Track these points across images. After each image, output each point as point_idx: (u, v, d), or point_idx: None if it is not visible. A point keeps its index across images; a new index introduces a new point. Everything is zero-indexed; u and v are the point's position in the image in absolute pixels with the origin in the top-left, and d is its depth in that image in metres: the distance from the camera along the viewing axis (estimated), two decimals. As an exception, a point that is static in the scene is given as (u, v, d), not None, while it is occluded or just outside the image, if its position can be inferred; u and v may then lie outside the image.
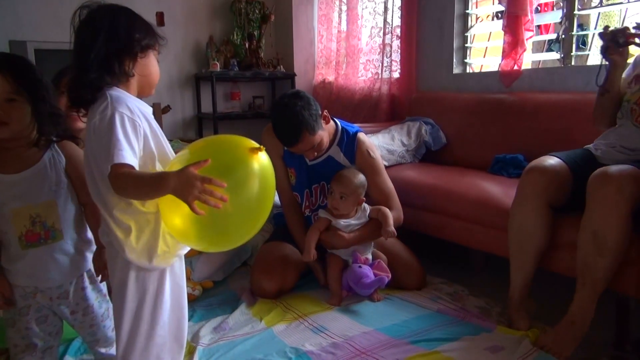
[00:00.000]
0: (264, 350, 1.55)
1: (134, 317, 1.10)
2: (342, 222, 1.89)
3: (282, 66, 3.87)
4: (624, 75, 1.75)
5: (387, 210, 1.92)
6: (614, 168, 1.47)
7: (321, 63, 3.87)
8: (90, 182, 1.09)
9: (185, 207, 0.97)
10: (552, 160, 1.65)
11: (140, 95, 1.15)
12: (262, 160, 1.09)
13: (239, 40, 3.82)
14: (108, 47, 1.05)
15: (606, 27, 1.66)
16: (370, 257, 1.93)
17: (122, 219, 1.06)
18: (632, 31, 1.60)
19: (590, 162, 1.69)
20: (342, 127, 2.06)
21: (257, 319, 1.76)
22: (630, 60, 1.77)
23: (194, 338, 1.61)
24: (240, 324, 1.72)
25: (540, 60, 2.74)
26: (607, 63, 1.70)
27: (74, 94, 1.07)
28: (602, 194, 1.44)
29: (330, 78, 3.79)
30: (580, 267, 1.52)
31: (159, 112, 3.39)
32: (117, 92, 1.07)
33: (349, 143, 2.02)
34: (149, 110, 1.13)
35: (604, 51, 1.67)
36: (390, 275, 1.85)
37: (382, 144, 2.65)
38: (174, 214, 1.05)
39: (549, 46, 2.77)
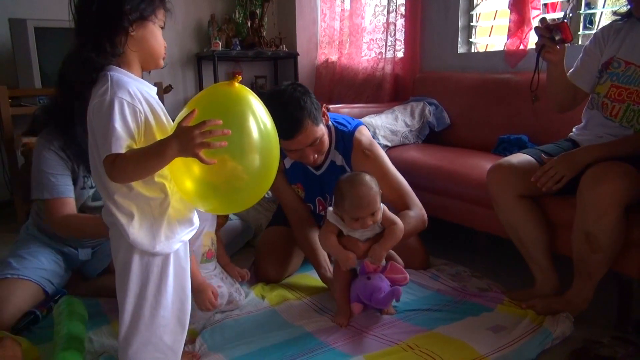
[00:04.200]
0: (268, 328, 1.56)
1: (137, 299, 1.10)
2: (357, 231, 1.60)
3: (284, 45, 3.82)
4: (577, 63, 1.73)
5: (399, 229, 1.60)
6: (603, 169, 1.45)
7: (324, 42, 3.83)
8: (92, 165, 1.08)
9: (193, 168, 0.98)
10: (512, 158, 1.68)
11: (147, 69, 1.11)
12: (244, 89, 1.11)
13: (241, 19, 3.77)
14: (97, 23, 1.01)
15: (543, 20, 1.54)
16: (383, 262, 1.61)
17: (123, 204, 1.04)
18: (569, 25, 1.50)
19: (572, 149, 1.69)
20: (338, 129, 1.86)
21: (259, 298, 1.77)
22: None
23: (198, 317, 1.62)
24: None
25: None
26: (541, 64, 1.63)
27: (74, 77, 1.06)
28: (594, 197, 1.43)
29: (334, 58, 3.75)
30: (575, 260, 1.55)
31: (161, 91, 3.37)
32: (119, 73, 1.04)
33: (346, 145, 1.84)
34: (152, 90, 1.09)
35: (540, 50, 1.57)
36: (407, 276, 1.62)
37: (385, 124, 2.63)
38: (185, 179, 1.05)
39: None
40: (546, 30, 1.52)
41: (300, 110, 1.63)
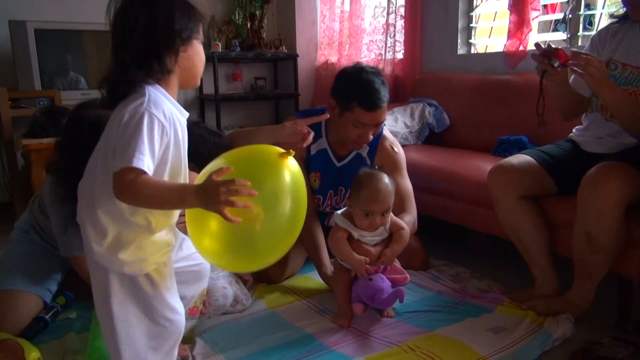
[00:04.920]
0: (268, 330, 1.56)
1: (110, 317, 1.01)
2: (368, 236, 1.62)
3: (284, 47, 3.82)
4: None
5: (407, 234, 1.65)
6: (603, 170, 1.45)
7: (324, 44, 3.83)
8: (88, 172, 1.01)
9: (211, 226, 0.95)
10: (513, 159, 1.69)
11: (184, 88, 1.08)
12: (291, 166, 1.05)
13: (241, 21, 3.77)
14: (145, 43, 0.96)
15: (537, 45, 1.54)
16: None
17: (102, 219, 0.97)
18: (566, 52, 1.48)
19: (574, 151, 1.71)
20: None
21: (259, 299, 1.77)
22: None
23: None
24: (243, 305, 1.73)
25: (546, 41, 2.70)
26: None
27: (111, 93, 1.00)
28: (594, 199, 1.43)
29: (333, 59, 3.75)
30: (576, 260, 1.55)
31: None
32: (156, 91, 0.98)
33: (375, 138, 1.87)
34: (183, 118, 1.04)
35: (542, 75, 1.56)
36: (407, 276, 1.64)
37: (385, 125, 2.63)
38: (203, 236, 1.01)
39: (555, 26, 2.73)
40: (544, 57, 1.51)
41: (385, 87, 1.73)
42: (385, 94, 1.72)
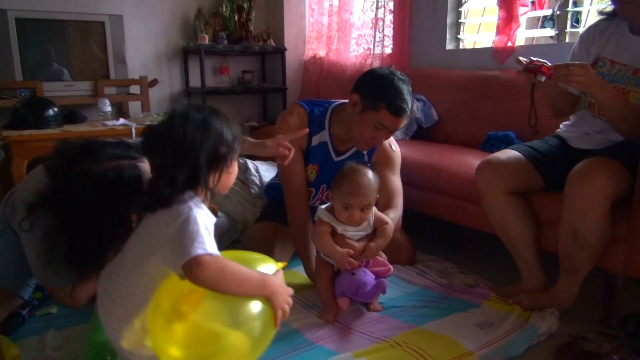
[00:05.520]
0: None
1: None
2: (352, 230, 1.62)
3: (272, 40, 3.79)
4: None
5: (390, 229, 1.65)
6: (590, 166, 1.45)
7: (312, 38, 3.80)
8: (117, 296, 1.06)
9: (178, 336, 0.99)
10: (501, 155, 1.68)
11: (213, 196, 1.14)
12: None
13: (228, 13, 3.72)
14: (194, 163, 1.03)
15: (519, 62, 1.56)
16: None
17: (136, 324, 1.03)
18: (549, 65, 1.51)
19: (563, 148, 1.71)
20: None
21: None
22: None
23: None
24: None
25: (534, 37, 2.71)
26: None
27: (153, 199, 1.05)
28: (580, 195, 1.44)
29: (321, 53, 3.73)
30: (562, 256, 1.56)
31: (146, 85, 3.32)
32: (195, 200, 1.04)
33: None
34: (211, 223, 1.08)
35: (532, 89, 1.61)
36: (390, 268, 1.65)
37: (373, 120, 2.62)
38: (170, 344, 1.00)
39: (543, 23, 2.73)
40: (530, 72, 1.54)
41: (411, 100, 1.73)
42: (410, 102, 1.72)
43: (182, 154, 1.03)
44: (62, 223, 1.31)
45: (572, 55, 1.75)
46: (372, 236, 1.63)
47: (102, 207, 1.27)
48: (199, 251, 0.94)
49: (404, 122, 1.75)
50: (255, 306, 1.04)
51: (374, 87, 1.72)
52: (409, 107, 1.71)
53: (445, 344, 1.41)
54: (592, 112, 1.66)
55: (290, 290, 1.11)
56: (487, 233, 1.89)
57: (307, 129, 1.80)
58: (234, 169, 1.14)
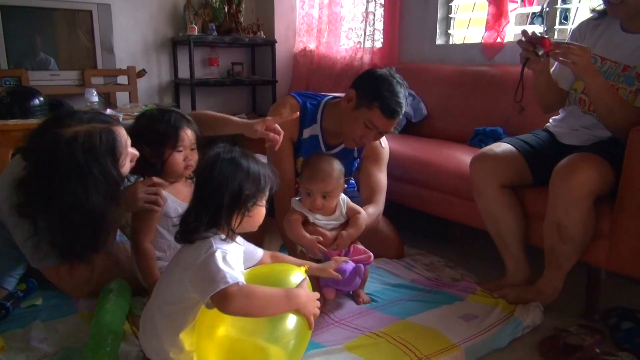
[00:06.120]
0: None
1: None
2: (323, 219, 1.64)
3: (262, 32, 3.77)
4: (556, 63, 1.71)
5: (363, 218, 1.66)
6: (575, 161, 1.47)
7: (302, 30, 3.79)
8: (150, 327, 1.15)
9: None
10: (496, 148, 1.69)
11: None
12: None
13: (218, 4, 3.69)
14: (218, 204, 1.09)
15: (524, 32, 1.56)
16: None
17: (182, 342, 1.12)
18: (552, 41, 1.51)
19: (552, 143, 1.73)
20: None
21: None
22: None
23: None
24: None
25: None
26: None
27: (180, 232, 1.12)
28: (564, 189, 1.46)
29: (312, 46, 3.71)
30: (546, 250, 1.58)
31: (134, 75, 3.29)
32: (218, 241, 1.09)
33: None
34: (235, 254, 1.14)
35: (525, 63, 1.58)
36: (371, 255, 1.64)
37: (362, 114, 2.62)
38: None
39: (532, 19, 2.75)
40: (529, 44, 1.53)
41: (406, 105, 1.74)
42: (404, 108, 1.73)
43: (207, 198, 1.11)
44: (40, 199, 1.28)
45: None
46: (345, 226, 1.65)
47: (73, 173, 1.24)
48: (222, 285, 1.01)
49: (394, 125, 1.76)
50: (291, 322, 1.11)
51: (370, 85, 1.73)
52: (402, 110, 1.72)
53: (431, 337, 1.42)
54: (581, 108, 1.67)
55: (316, 295, 1.17)
56: (475, 227, 1.90)
57: (298, 113, 1.80)
58: (258, 213, 1.18)
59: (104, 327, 1.29)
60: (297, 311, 1.11)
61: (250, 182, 1.12)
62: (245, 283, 1.05)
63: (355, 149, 1.89)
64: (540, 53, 1.52)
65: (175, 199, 1.56)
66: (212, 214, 1.10)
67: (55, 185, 1.26)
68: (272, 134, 1.64)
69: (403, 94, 1.71)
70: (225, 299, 1.01)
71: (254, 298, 1.04)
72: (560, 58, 1.48)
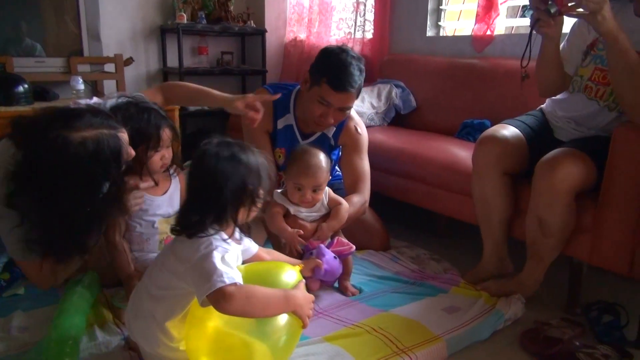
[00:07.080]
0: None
1: None
2: (305, 212, 1.64)
3: (252, 21, 3.73)
4: (563, 44, 1.65)
5: (344, 209, 1.65)
6: (558, 157, 1.47)
7: (293, 20, 3.75)
8: (164, 291, 1.12)
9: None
10: (505, 131, 1.65)
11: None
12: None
13: (208, -8, 3.64)
14: (223, 202, 1.08)
15: None
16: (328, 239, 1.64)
17: (170, 330, 1.12)
18: None
19: (546, 132, 1.72)
20: None
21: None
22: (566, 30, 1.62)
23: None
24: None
25: (513, 26, 2.72)
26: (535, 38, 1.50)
27: (181, 228, 1.10)
28: (546, 184, 1.46)
29: (302, 36, 3.68)
30: (528, 242, 1.59)
31: (122, 63, 3.24)
32: (218, 239, 1.08)
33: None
34: (238, 250, 1.16)
35: (534, 24, 1.44)
36: (353, 247, 1.62)
37: (351, 105, 2.61)
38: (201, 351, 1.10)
39: (523, 12, 2.75)
40: (541, 2, 1.38)
41: (360, 75, 1.69)
42: (357, 80, 1.69)
43: (210, 196, 1.09)
44: (34, 197, 1.26)
45: (572, 30, 1.68)
46: (326, 217, 1.65)
47: (78, 179, 1.23)
48: (219, 284, 0.99)
49: (351, 101, 1.73)
50: (282, 319, 1.11)
51: (319, 62, 1.73)
52: (354, 82, 1.68)
53: (413, 329, 1.43)
54: (587, 95, 1.62)
55: (312, 297, 1.18)
56: (461, 220, 1.91)
57: (280, 94, 1.79)
58: (257, 210, 1.17)
59: (64, 332, 1.27)
60: (294, 312, 1.11)
61: (252, 176, 1.12)
62: (242, 284, 1.04)
63: (331, 136, 1.89)
64: (553, 11, 1.36)
65: (148, 195, 1.55)
66: (217, 211, 1.09)
67: (57, 187, 1.24)
68: (251, 112, 1.64)
69: (355, 66, 1.69)
70: (223, 299, 1.00)
71: (253, 299, 1.03)
72: (577, 10, 1.33)
